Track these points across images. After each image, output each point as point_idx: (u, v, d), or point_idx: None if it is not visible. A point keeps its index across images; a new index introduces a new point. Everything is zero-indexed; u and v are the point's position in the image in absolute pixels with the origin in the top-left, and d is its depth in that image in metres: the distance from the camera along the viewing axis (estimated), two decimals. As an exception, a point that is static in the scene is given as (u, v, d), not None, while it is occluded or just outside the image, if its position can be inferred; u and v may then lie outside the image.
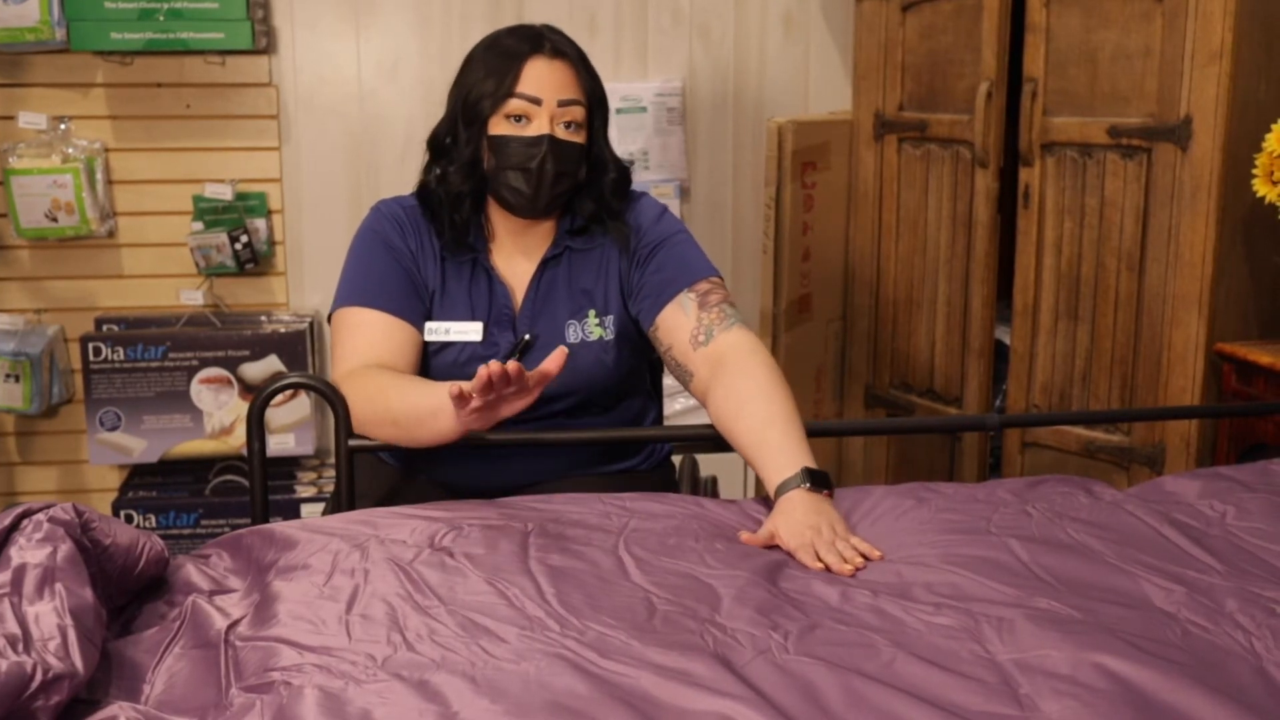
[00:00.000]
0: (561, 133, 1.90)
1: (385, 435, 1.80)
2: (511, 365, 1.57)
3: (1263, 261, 2.51)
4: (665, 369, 2.03)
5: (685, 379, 1.92)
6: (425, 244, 1.97)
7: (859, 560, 1.54)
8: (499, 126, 1.91)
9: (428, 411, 1.71)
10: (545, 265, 1.98)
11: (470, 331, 1.94)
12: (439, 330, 1.94)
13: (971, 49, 2.85)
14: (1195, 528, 1.64)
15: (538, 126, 1.89)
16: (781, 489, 1.67)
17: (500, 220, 1.99)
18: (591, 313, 1.97)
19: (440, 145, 1.98)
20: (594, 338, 1.97)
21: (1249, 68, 2.41)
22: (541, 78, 1.89)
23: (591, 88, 1.95)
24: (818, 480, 1.68)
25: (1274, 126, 2.32)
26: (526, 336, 1.94)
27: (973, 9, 2.83)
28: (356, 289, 1.93)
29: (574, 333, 1.96)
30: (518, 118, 1.89)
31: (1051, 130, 2.69)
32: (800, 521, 1.61)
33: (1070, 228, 2.69)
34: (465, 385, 1.58)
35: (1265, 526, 1.63)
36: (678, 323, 1.92)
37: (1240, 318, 2.53)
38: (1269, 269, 2.51)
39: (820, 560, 1.54)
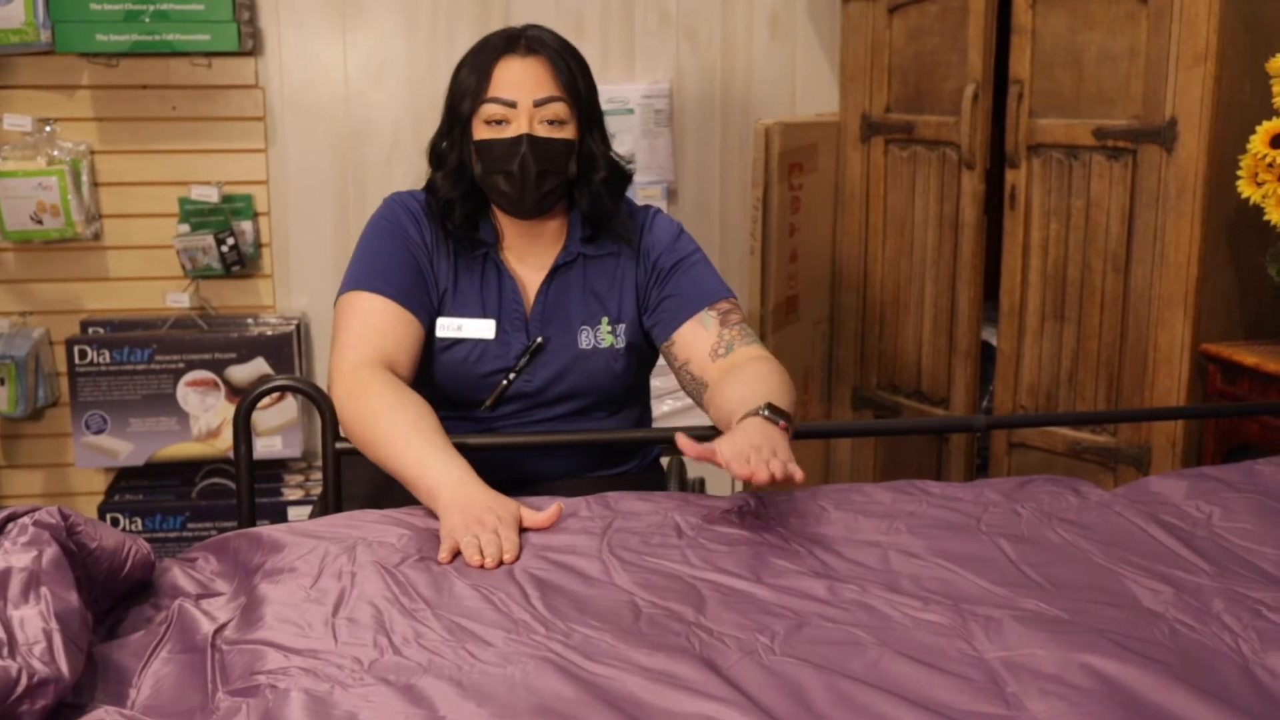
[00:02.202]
0: (542, 130, 1.89)
1: (369, 457, 1.79)
2: (508, 556, 1.54)
3: (1248, 262, 2.52)
4: (677, 381, 2.03)
5: (699, 391, 1.93)
6: (439, 239, 1.96)
7: (777, 471, 1.55)
8: (481, 131, 1.90)
9: (412, 479, 1.69)
10: (558, 270, 1.98)
11: (483, 329, 1.94)
12: (451, 327, 1.94)
13: (958, 51, 2.85)
14: (1182, 528, 1.64)
15: (516, 127, 1.88)
16: (742, 419, 1.70)
17: (506, 223, 1.98)
18: (604, 320, 1.97)
19: (436, 152, 1.99)
20: (605, 345, 1.97)
21: (1234, 69, 2.42)
22: (515, 78, 1.88)
23: (573, 83, 1.92)
24: (777, 412, 1.69)
25: (1258, 128, 2.33)
26: (539, 339, 1.94)
27: (959, 11, 2.84)
28: (365, 274, 1.91)
29: (586, 339, 1.96)
30: (497, 121, 1.89)
31: (1037, 132, 2.70)
32: (743, 441, 1.61)
33: (1056, 229, 2.70)
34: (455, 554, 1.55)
35: (1251, 527, 1.64)
36: (698, 338, 1.93)
37: (1225, 318, 2.54)
38: (1254, 270, 2.52)
39: (748, 466, 1.54)
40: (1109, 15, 2.55)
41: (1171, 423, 2.54)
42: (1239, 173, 2.37)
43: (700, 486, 2.27)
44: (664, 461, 2.22)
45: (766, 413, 1.69)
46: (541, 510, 1.64)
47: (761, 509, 1.70)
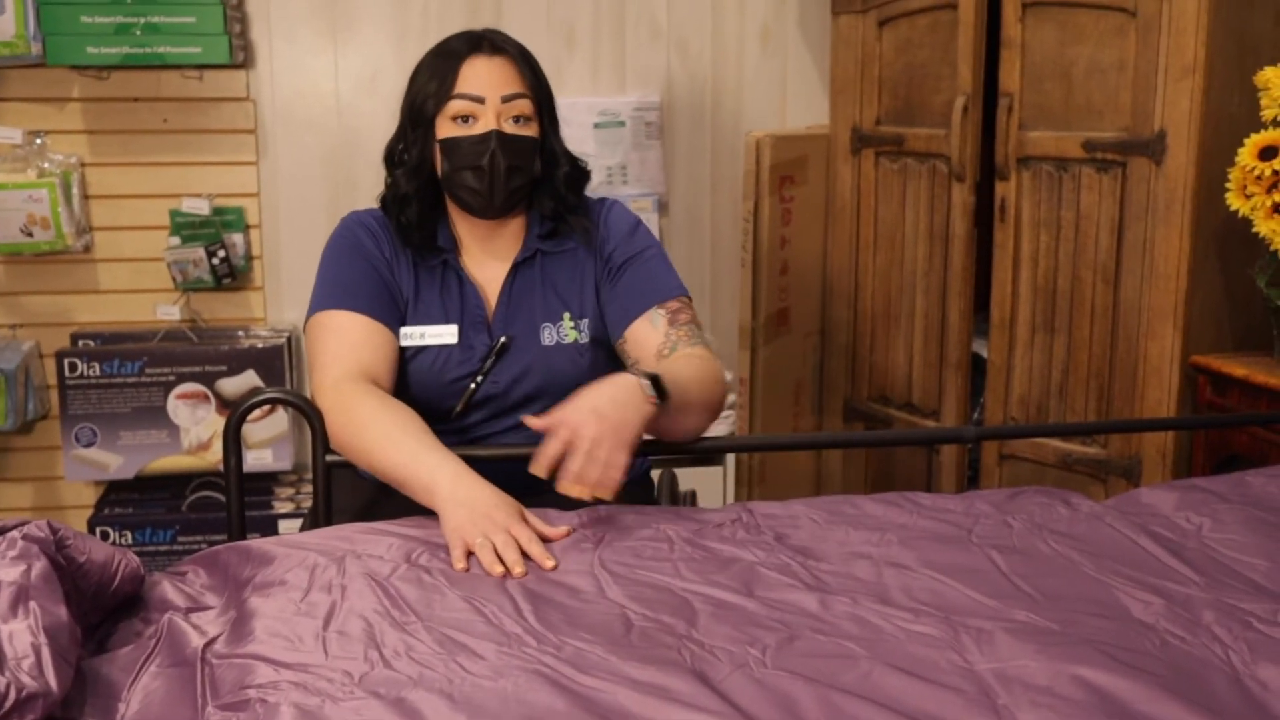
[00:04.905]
0: (509, 128, 1.91)
1: (362, 467, 1.81)
2: (544, 561, 1.56)
3: (1237, 274, 2.53)
4: None
5: None
6: (397, 252, 1.98)
7: (585, 488, 1.58)
8: (446, 129, 1.92)
9: (406, 479, 1.71)
10: (517, 268, 1.99)
11: (445, 335, 1.95)
12: (414, 335, 1.95)
13: (948, 63, 2.86)
14: (1172, 540, 1.65)
15: (484, 124, 1.90)
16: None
17: (465, 226, 1.99)
18: (566, 316, 1.98)
19: (393, 156, 2.00)
20: (569, 340, 1.97)
21: (1222, 82, 2.43)
22: (481, 75, 1.90)
23: (536, 83, 1.95)
24: (656, 385, 1.69)
25: (1247, 140, 2.34)
26: (503, 339, 1.94)
27: (948, 24, 2.85)
28: (332, 293, 1.93)
29: (549, 335, 1.97)
30: (464, 118, 1.90)
31: (1027, 144, 2.71)
32: (586, 402, 1.64)
33: (1046, 241, 2.71)
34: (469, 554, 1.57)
35: (1241, 539, 1.64)
36: (646, 337, 1.94)
37: (1215, 330, 2.55)
38: (1243, 282, 2.52)
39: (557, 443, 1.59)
40: (1098, 28, 2.56)
41: (1161, 434, 2.55)
42: (1228, 185, 2.38)
43: (691, 499, 2.27)
44: (654, 474, 2.22)
45: (644, 380, 1.69)
46: (551, 525, 1.65)
47: (753, 522, 1.70)
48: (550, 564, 1.54)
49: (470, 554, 1.55)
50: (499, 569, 1.52)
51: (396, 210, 1.97)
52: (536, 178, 1.97)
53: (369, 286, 1.93)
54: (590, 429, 1.60)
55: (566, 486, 1.59)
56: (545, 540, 1.61)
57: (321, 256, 1.99)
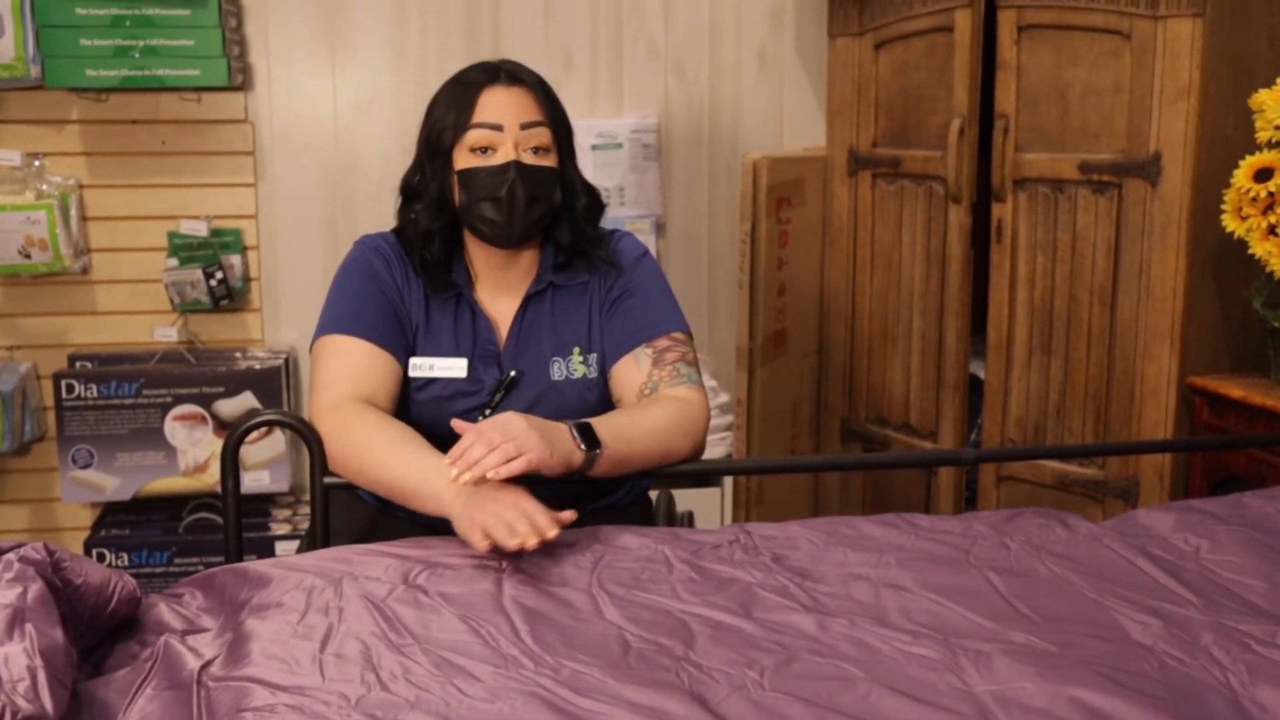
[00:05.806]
0: (529, 158, 1.89)
1: (364, 485, 1.80)
2: (548, 531, 1.59)
3: (1233, 295, 2.53)
4: None
5: None
6: (410, 278, 1.97)
7: (493, 468, 1.61)
8: (465, 160, 1.90)
9: (413, 488, 1.72)
10: (529, 301, 1.98)
11: (455, 368, 1.94)
12: (423, 366, 1.94)
13: (944, 85, 2.87)
14: (1170, 561, 1.65)
15: (503, 154, 1.89)
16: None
17: (481, 256, 1.98)
18: (576, 350, 1.97)
19: (411, 188, 1.99)
20: (578, 375, 1.97)
21: (1217, 104, 2.44)
22: (499, 104, 1.89)
23: (554, 112, 1.94)
24: (583, 432, 1.74)
25: (1242, 162, 2.35)
26: (512, 373, 1.94)
27: (944, 46, 2.86)
28: (339, 317, 1.92)
29: (558, 370, 1.96)
30: (483, 149, 1.89)
31: (1023, 166, 2.72)
32: (520, 415, 1.69)
33: (1043, 262, 2.71)
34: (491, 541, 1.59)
35: (1239, 560, 1.64)
36: (630, 376, 1.94)
37: (1211, 351, 2.55)
38: (1239, 303, 2.53)
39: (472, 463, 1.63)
40: (1093, 51, 2.57)
41: (1159, 455, 2.55)
42: (1223, 206, 2.39)
43: (689, 520, 2.27)
44: (652, 495, 2.22)
45: (571, 423, 1.74)
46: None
47: (750, 543, 1.70)
48: (554, 532, 1.57)
49: (489, 539, 1.58)
50: (514, 543, 1.54)
51: (419, 246, 1.95)
52: (556, 208, 1.96)
53: (376, 313, 1.92)
54: (516, 424, 1.67)
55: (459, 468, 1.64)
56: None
57: (334, 279, 1.99)
